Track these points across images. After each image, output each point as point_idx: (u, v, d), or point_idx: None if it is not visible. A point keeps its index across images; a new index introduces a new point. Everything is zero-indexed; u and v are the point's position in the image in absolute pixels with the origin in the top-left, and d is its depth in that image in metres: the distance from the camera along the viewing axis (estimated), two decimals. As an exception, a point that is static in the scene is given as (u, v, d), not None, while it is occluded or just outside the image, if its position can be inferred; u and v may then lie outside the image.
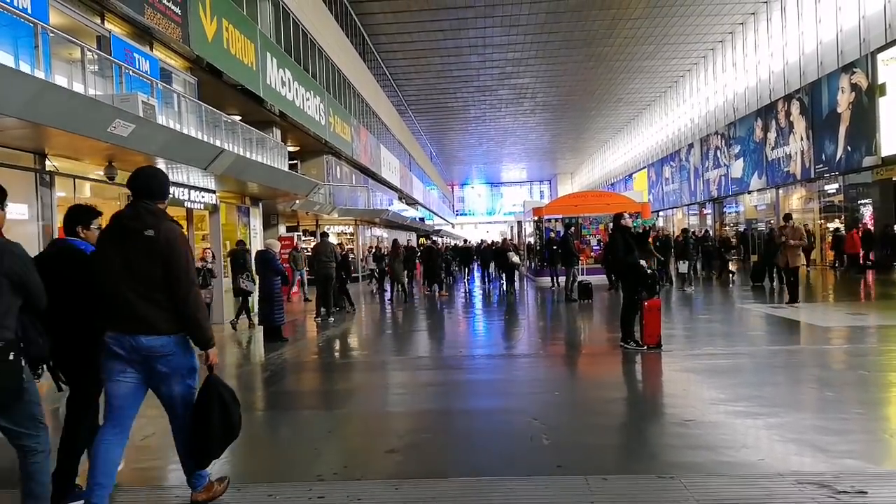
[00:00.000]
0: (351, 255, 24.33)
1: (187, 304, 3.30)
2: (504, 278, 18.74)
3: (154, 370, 3.33)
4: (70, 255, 3.60)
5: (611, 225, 8.70)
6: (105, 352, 3.34)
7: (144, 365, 3.32)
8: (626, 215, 8.61)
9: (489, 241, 30.39)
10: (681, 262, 17.27)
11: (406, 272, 18.24)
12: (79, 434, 3.62)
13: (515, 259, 18.24)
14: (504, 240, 24.17)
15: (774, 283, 15.90)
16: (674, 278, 17.41)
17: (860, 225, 21.15)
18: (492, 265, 22.02)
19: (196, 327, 3.36)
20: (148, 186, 3.43)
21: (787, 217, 12.85)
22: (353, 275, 23.03)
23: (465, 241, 41.89)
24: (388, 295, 17.89)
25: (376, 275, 21.17)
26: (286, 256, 17.59)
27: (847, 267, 20.46)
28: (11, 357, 3.01)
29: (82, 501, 3.39)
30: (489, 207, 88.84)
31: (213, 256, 11.85)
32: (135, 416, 3.46)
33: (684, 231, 18.88)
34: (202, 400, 3.43)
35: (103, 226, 3.70)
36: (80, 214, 3.78)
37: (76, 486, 3.62)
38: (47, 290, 3.26)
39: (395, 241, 19.29)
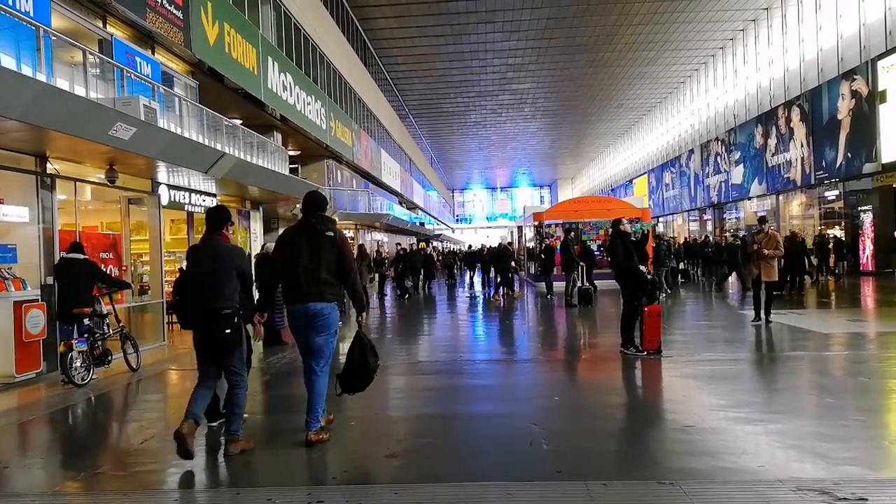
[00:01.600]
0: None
1: (355, 282, 4.84)
2: (504, 282, 18.72)
3: (312, 324, 4.72)
4: None
5: (610, 230, 8.68)
6: (291, 315, 4.80)
7: (308, 321, 4.72)
8: (625, 221, 8.59)
9: (489, 246, 30.42)
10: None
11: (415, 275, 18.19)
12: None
13: (514, 262, 18.26)
14: (502, 244, 24.17)
15: (791, 292, 15.27)
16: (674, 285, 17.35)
17: (860, 232, 21.12)
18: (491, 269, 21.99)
19: (358, 298, 4.92)
20: (319, 203, 4.89)
21: (762, 220, 10.80)
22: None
23: (470, 246, 42.24)
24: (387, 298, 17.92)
25: (377, 279, 21.21)
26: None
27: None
28: (236, 320, 4.59)
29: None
30: (489, 212, 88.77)
31: None
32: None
33: (658, 237, 18.30)
34: (351, 344, 4.90)
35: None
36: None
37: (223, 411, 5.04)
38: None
39: (360, 245, 19.09)
